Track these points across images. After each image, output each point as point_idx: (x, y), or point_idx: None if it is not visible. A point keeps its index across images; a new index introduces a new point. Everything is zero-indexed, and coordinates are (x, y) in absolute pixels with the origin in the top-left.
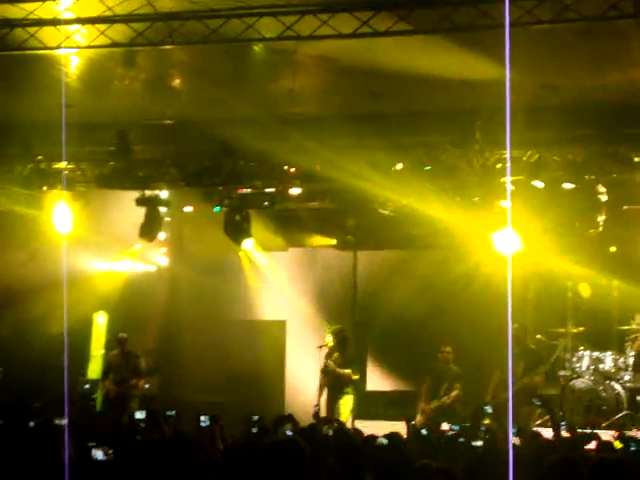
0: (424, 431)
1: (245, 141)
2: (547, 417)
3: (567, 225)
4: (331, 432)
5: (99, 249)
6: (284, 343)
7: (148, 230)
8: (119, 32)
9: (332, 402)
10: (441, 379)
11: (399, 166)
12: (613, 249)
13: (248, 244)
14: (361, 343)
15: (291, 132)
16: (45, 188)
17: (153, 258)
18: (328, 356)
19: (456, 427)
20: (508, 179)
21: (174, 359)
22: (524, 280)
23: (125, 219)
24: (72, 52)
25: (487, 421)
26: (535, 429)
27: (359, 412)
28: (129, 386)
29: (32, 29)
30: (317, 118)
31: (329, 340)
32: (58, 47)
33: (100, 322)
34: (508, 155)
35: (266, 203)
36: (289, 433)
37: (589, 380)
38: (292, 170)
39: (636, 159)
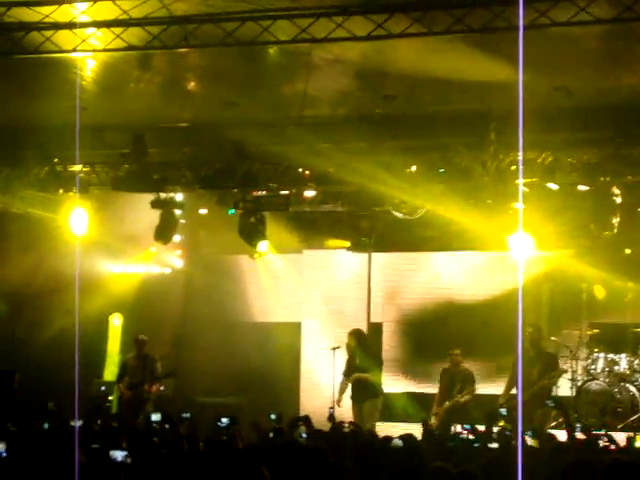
0: (437, 433)
1: (260, 144)
2: (561, 419)
3: (582, 227)
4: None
5: (114, 251)
6: (299, 345)
7: (163, 232)
8: (134, 35)
9: (358, 407)
10: (453, 381)
11: (413, 168)
12: (628, 251)
13: (263, 246)
14: (376, 345)
15: (306, 135)
16: (61, 191)
17: (168, 260)
18: (351, 358)
19: (468, 426)
20: (520, 181)
21: (189, 361)
22: (538, 282)
23: (140, 222)
24: (88, 55)
25: (502, 423)
26: (550, 431)
27: None
28: (143, 390)
29: (48, 32)
30: (331, 120)
31: (349, 340)
32: (74, 50)
33: (116, 324)
34: (521, 157)
35: (281, 205)
36: (304, 435)
37: (604, 382)
38: (307, 172)
39: None
